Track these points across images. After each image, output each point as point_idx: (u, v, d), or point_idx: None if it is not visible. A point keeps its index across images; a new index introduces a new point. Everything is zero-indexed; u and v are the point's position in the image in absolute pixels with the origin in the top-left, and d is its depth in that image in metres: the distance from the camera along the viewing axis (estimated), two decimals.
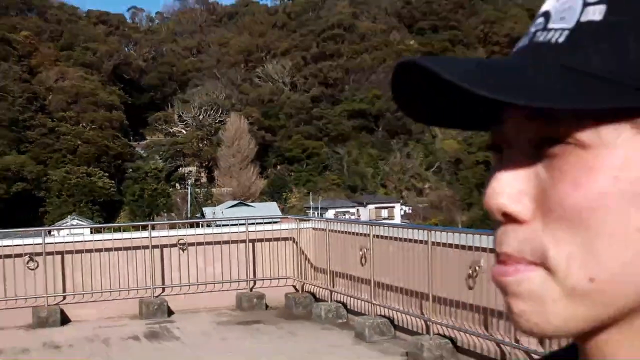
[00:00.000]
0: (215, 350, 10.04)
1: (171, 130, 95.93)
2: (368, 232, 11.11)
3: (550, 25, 0.62)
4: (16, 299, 12.22)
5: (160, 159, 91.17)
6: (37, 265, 12.40)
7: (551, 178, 0.60)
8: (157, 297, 12.77)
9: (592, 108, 0.57)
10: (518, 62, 0.63)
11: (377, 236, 10.91)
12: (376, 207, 72.95)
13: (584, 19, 0.59)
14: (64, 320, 12.21)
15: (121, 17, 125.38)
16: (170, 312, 12.58)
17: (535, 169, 0.62)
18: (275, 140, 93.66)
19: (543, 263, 0.60)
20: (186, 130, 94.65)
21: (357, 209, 70.69)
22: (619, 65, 0.57)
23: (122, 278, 12.82)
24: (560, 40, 0.60)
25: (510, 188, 0.62)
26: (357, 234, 11.66)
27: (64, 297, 12.54)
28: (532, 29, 0.64)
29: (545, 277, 0.60)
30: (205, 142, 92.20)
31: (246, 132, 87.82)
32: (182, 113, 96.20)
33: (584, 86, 0.57)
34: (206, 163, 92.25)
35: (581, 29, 0.59)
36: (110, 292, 12.74)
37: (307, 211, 61.98)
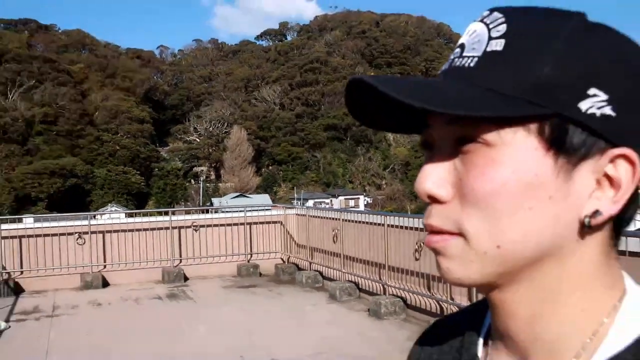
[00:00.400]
0: (220, 307, 10.03)
1: (188, 139, 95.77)
2: (339, 217, 11.15)
3: (465, 54, 0.63)
4: (68, 267, 12.27)
5: (179, 160, 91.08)
6: (85, 242, 12.42)
7: (466, 169, 0.61)
8: (175, 266, 12.76)
9: (493, 115, 0.58)
10: (440, 81, 0.63)
11: (346, 220, 10.93)
12: (345, 198, 72.91)
13: (489, 49, 0.61)
14: (105, 283, 12.22)
15: (152, 53, 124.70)
16: (185, 278, 12.57)
17: (454, 162, 0.63)
18: (267, 147, 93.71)
19: (461, 233, 0.62)
20: (199, 139, 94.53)
21: (331, 200, 70.62)
22: (513, 84, 0.58)
23: (149, 252, 12.82)
24: (472, 64, 0.61)
25: (434, 176, 0.63)
26: (330, 218, 11.66)
27: (105, 266, 12.52)
28: (452, 57, 0.65)
29: (464, 244, 0.62)
30: (213, 148, 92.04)
31: (245, 140, 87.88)
32: (196, 126, 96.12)
33: (487, 99, 0.58)
34: (214, 164, 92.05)
35: (486, 57, 0.61)
36: (140, 262, 12.73)
37: (292, 201, 62.20)
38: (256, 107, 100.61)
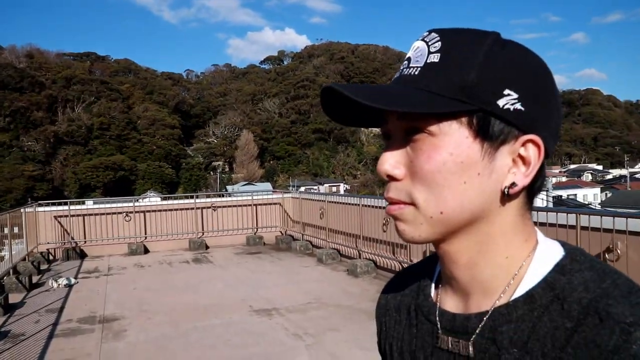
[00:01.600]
0: (233, 268, 9.97)
1: (208, 140, 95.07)
2: (324, 200, 11.10)
3: (411, 65, 0.63)
4: (119, 238, 12.26)
5: (201, 157, 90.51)
6: (130, 219, 12.35)
7: (415, 153, 0.62)
8: (199, 238, 12.70)
9: (433, 112, 0.60)
10: (392, 86, 0.63)
11: (330, 202, 10.88)
12: (329, 186, 72.60)
13: (429, 61, 0.62)
14: (146, 250, 12.19)
15: (180, 75, 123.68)
16: (207, 247, 12.51)
17: (406, 148, 0.63)
18: (269, 146, 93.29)
19: (412, 203, 0.63)
20: (216, 140, 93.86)
21: (318, 187, 70.24)
22: (447, 87, 0.60)
23: (179, 226, 12.78)
24: (416, 73, 0.62)
25: (391, 160, 0.64)
26: (318, 200, 11.62)
27: (146, 237, 12.47)
28: (401, 68, 0.65)
29: (415, 211, 0.63)
30: (227, 147, 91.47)
31: (252, 141, 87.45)
32: (214, 130, 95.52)
33: (427, 99, 0.60)
34: (228, 159, 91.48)
35: (427, 67, 0.62)
36: (172, 234, 12.67)
37: (288, 187, 62.15)
38: (260, 115, 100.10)
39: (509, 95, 0.60)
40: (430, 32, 0.65)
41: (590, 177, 77.93)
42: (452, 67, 0.60)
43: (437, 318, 0.69)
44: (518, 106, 0.60)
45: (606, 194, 56.44)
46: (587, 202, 47.43)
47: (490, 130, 0.60)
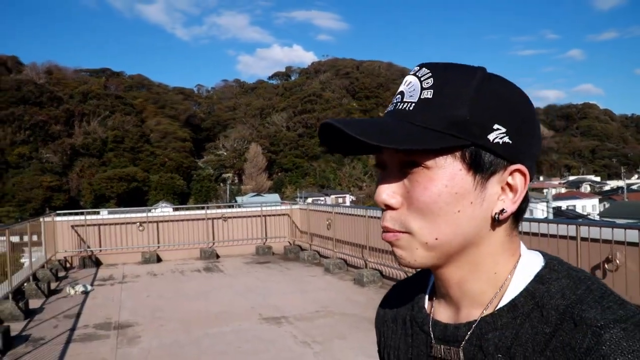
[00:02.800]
0: (243, 277, 9.97)
1: (218, 152, 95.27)
2: (331, 211, 11.06)
3: (405, 100, 0.65)
4: (132, 247, 12.28)
5: (212, 169, 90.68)
6: (144, 229, 12.37)
7: (412, 185, 0.64)
8: (210, 247, 12.69)
9: (424, 148, 0.61)
10: (389, 121, 0.64)
11: (337, 213, 10.86)
12: (335, 197, 72.53)
13: (422, 96, 0.63)
14: (159, 259, 12.19)
15: (191, 90, 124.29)
16: (217, 256, 12.51)
17: (402, 179, 0.65)
18: (277, 158, 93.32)
19: (407, 231, 0.65)
20: (226, 153, 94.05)
21: (325, 198, 70.25)
22: (441, 123, 0.61)
23: (190, 236, 12.77)
24: (410, 108, 0.64)
25: (388, 190, 0.66)
26: (325, 211, 11.60)
27: (158, 246, 12.48)
28: (394, 101, 0.66)
29: (410, 238, 0.65)
30: (237, 159, 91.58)
31: (260, 153, 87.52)
32: (224, 143, 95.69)
33: (423, 135, 0.61)
34: (237, 171, 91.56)
35: (421, 103, 0.63)
36: (184, 244, 12.68)
37: (296, 199, 62.19)
38: (268, 129, 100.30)
39: (498, 129, 0.62)
40: (421, 66, 0.66)
41: (588, 189, 77.54)
42: (445, 103, 0.62)
43: (431, 328, 0.71)
44: (506, 139, 0.62)
45: (604, 204, 56.04)
46: (586, 213, 47.16)
47: (482, 163, 0.62)
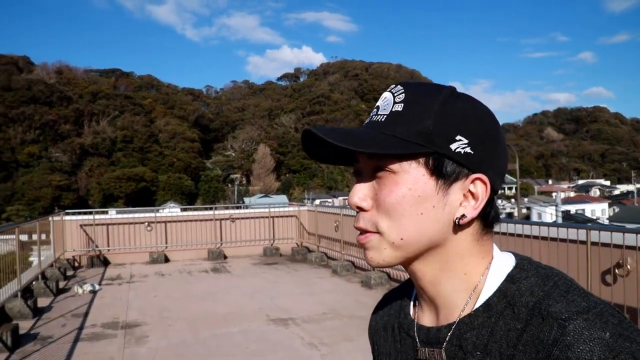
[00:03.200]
0: (250, 278, 9.97)
1: (226, 153, 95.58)
2: (339, 212, 11.03)
3: (379, 112, 0.71)
4: (140, 247, 12.30)
5: (220, 169, 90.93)
6: (152, 229, 12.40)
7: (380, 188, 0.70)
8: (217, 248, 12.70)
9: (393, 153, 0.68)
10: (362, 130, 0.71)
11: (345, 215, 10.84)
12: (343, 198, 72.43)
13: (394, 109, 0.70)
14: (166, 259, 12.20)
15: (200, 91, 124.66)
16: (225, 257, 12.52)
17: (373, 183, 0.71)
18: (285, 160, 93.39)
19: (378, 231, 0.70)
20: (234, 154, 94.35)
21: (332, 199, 70.21)
22: (408, 132, 0.68)
23: (198, 237, 12.78)
24: (382, 119, 0.70)
25: (360, 194, 0.72)
26: (332, 213, 11.58)
27: (166, 247, 12.50)
28: (371, 114, 0.73)
29: (379, 237, 0.70)
30: (245, 160, 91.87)
31: (268, 155, 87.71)
32: (232, 144, 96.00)
33: (391, 142, 0.67)
34: (245, 172, 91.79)
35: (392, 115, 0.70)
36: (191, 244, 12.69)
37: (304, 200, 62.07)
38: (277, 130, 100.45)
39: (460, 140, 0.67)
40: (396, 85, 0.72)
41: (598, 193, 76.94)
42: (413, 115, 0.68)
43: (416, 333, 0.76)
44: (468, 150, 0.67)
45: (614, 209, 55.64)
46: (595, 217, 46.80)
47: (444, 170, 0.68)
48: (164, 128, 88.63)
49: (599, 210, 57.03)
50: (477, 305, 0.70)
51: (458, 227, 0.69)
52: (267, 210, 13.70)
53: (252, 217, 13.42)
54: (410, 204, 0.68)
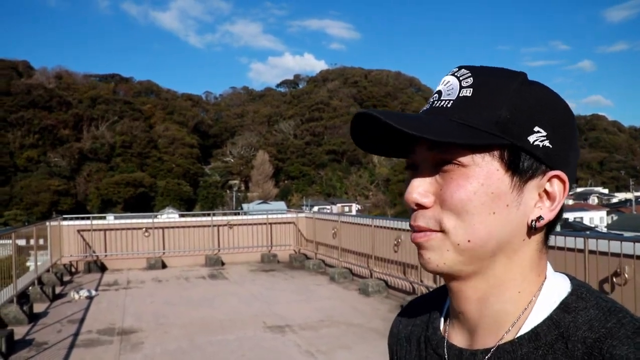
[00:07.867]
0: (248, 284, 9.94)
1: (225, 159, 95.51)
2: (337, 220, 11.03)
3: (442, 98, 0.63)
4: (138, 253, 12.26)
5: (218, 175, 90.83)
6: (149, 234, 12.38)
7: (445, 182, 0.62)
8: (215, 254, 12.67)
9: (464, 143, 0.59)
10: (424, 116, 0.63)
11: (343, 222, 10.83)
12: (342, 205, 72.44)
13: (461, 94, 0.62)
14: (164, 265, 12.18)
15: (200, 97, 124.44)
16: (222, 263, 12.48)
17: (435, 178, 0.63)
18: (284, 166, 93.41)
19: (441, 229, 0.62)
20: (233, 160, 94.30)
21: (331, 206, 70.13)
22: (480, 121, 0.60)
23: (196, 243, 12.76)
24: (448, 105, 0.62)
25: (420, 189, 0.63)
26: (331, 220, 11.58)
27: (164, 253, 12.48)
28: (431, 100, 0.65)
29: (443, 237, 0.62)
30: (244, 166, 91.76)
31: (267, 161, 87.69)
32: (231, 150, 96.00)
33: (462, 131, 0.59)
34: (244, 178, 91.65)
35: (459, 100, 0.62)
36: (189, 250, 12.66)
37: (302, 207, 62.00)
38: (276, 136, 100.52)
39: (538, 132, 0.60)
40: (460, 68, 0.65)
41: (596, 200, 77.00)
42: (484, 102, 0.61)
43: (445, 351, 0.68)
44: (546, 143, 0.60)
45: (612, 217, 55.65)
46: (593, 225, 46.81)
47: (521, 165, 0.60)
48: (163, 133, 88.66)
49: (597, 218, 57.08)
50: (522, 332, 0.61)
51: (532, 230, 0.62)
52: (265, 216, 13.68)
53: (250, 224, 13.40)
54: (482, 202, 0.60)
